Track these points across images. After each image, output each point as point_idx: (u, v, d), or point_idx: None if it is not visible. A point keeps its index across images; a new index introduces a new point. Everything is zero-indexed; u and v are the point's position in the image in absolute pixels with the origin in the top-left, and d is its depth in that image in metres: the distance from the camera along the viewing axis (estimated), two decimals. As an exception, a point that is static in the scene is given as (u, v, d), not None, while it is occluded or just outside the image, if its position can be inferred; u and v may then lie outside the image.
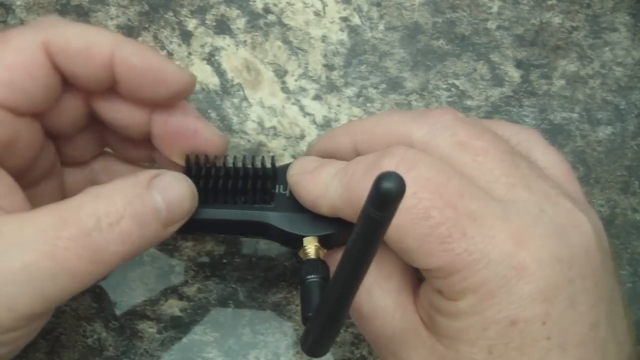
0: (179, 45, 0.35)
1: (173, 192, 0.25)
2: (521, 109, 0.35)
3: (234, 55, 0.35)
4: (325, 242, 0.26)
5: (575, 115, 0.35)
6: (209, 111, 0.34)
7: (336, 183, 0.25)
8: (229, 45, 0.35)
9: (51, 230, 0.22)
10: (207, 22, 0.36)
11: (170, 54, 0.35)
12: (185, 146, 0.27)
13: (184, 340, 0.31)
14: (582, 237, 0.23)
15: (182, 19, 0.36)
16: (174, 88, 0.26)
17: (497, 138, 0.25)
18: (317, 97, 0.35)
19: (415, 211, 0.22)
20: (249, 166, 0.28)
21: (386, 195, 0.17)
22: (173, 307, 0.31)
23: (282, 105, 0.35)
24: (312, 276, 0.25)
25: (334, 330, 0.22)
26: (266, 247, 0.32)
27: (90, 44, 0.25)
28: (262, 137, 0.34)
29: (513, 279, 0.21)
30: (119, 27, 0.35)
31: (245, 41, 0.35)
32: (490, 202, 0.23)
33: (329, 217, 0.26)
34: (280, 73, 0.35)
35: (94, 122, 0.28)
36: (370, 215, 0.17)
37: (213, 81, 0.35)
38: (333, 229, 0.26)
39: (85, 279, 0.23)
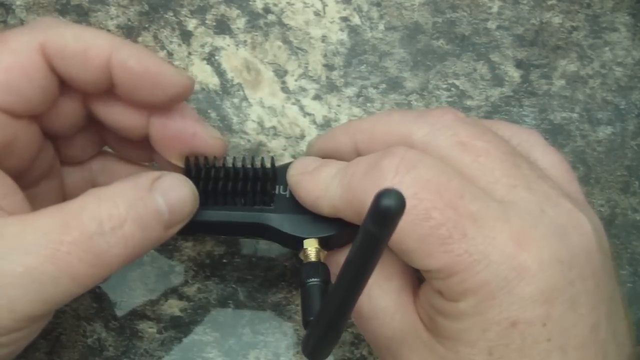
0: (179, 45, 0.35)
1: (175, 194, 0.24)
2: (521, 109, 0.35)
3: (234, 55, 0.35)
4: (325, 244, 0.26)
5: (575, 115, 0.35)
6: (209, 111, 0.34)
7: (336, 183, 0.24)
8: (229, 45, 0.35)
9: (53, 233, 0.22)
10: (207, 22, 0.36)
11: (170, 54, 0.35)
12: (183, 149, 0.27)
13: (184, 340, 0.31)
14: (583, 238, 0.23)
15: (182, 19, 0.36)
16: (172, 91, 0.26)
17: (498, 138, 0.25)
18: (317, 97, 0.35)
19: (415, 212, 0.22)
20: (249, 167, 0.27)
21: (386, 212, 0.17)
22: (173, 307, 0.31)
23: (282, 105, 0.35)
24: (313, 280, 0.24)
25: (335, 336, 0.22)
26: (266, 247, 0.32)
27: (88, 46, 0.25)
28: (262, 137, 0.34)
29: (514, 280, 0.21)
30: (119, 27, 0.35)
31: (245, 41, 0.35)
32: (491, 203, 0.22)
33: (330, 218, 0.26)
34: (280, 73, 0.35)
35: (93, 123, 0.28)
36: (369, 231, 0.17)
37: (213, 81, 0.35)
38: (333, 230, 0.26)
39: (87, 282, 0.23)
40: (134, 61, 0.25)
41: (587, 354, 0.22)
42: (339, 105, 0.35)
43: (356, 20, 0.36)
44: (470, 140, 0.24)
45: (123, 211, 0.23)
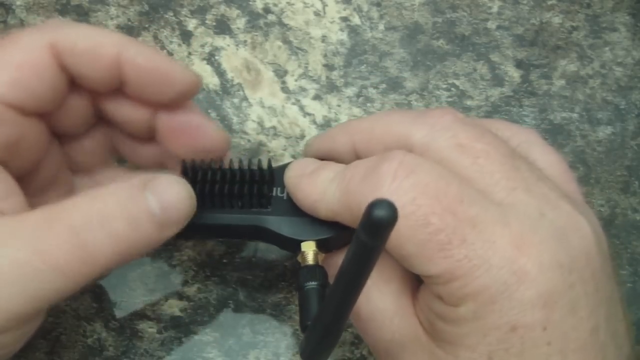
0: (179, 45, 0.35)
1: (168, 194, 0.24)
2: (521, 109, 0.35)
3: (234, 55, 0.35)
4: (323, 246, 0.26)
5: (575, 115, 0.35)
6: (209, 111, 0.34)
7: (334, 187, 0.24)
8: (229, 45, 0.35)
9: (42, 228, 0.22)
10: (207, 22, 0.36)
11: (170, 54, 0.35)
12: (189, 142, 0.27)
13: (184, 340, 0.31)
14: (582, 240, 0.23)
15: (182, 19, 0.36)
16: (180, 88, 0.26)
17: (497, 140, 0.25)
18: (317, 97, 0.35)
19: (414, 218, 0.22)
20: (246, 169, 0.27)
21: (378, 223, 0.17)
22: (173, 307, 0.31)
23: (282, 105, 0.35)
24: (310, 283, 0.24)
25: (332, 340, 0.22)
26: (266, 247, 0.32)
27: (97, 44, 0.25)
28: (262, 137, 0.34)
29: (514, 284, 0.21)
30: (119, 27, 0.35)
31: (245, 41, 0.35)
32: (490, 207, 0.22)
33: (327, 220, 0.26)
34: (280, 73, 0.35)
35: (101, 124, 0.28)
36: (362, 241, 0.18)
37: (213, 81, 0.35)
38: (331, 232, 0.26)
39: (77, 278, 0.22)
40: (143, 58, 0.25)
41: (587, 357, 0.22)
42: (339, 105, 0.35)
43: (356, 20, 0.36)
44: (469, 142, 0.24)
45: (112, 208, 0.23)
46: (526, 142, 0.26)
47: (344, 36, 0.36)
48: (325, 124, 0.34)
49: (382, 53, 0.36)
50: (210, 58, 0.35)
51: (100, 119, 0.28)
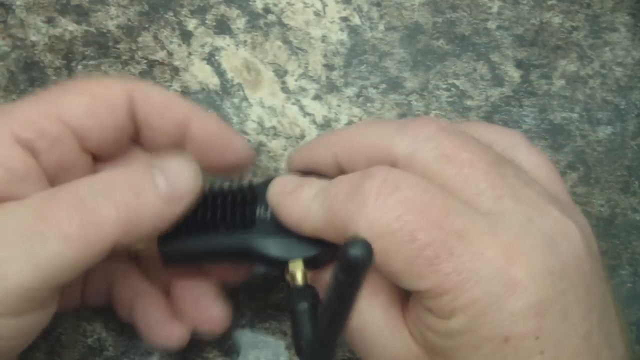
0: (179, 45, 0.35)
1: (173, 169, 0.24)
2: (521, 109, 0.35)
3: (234, 55, 0.35)
4: (311, 263, 0.26)
5: (575, 115, 0.35)
6: (209, 111, 0.34)
7: (317, 205, 0.24)
8: (229, 45, 0.35)
9: (47, 198, 0.23)
10: (207, 22, 0.36)
11: (170, 54, 0.35)
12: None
13: (184, 340, 0.31)
14: (572, 246, 0.23)
15: (182, 19, 0.36)
16: (237, 157, 0.27)
17: (482, 147, 0.24)
18: (317, 97, 0.35)
19: (400, 234, 0.22)
20: (227, 191, 0.27)
21: (355, 263, 0.17)
22: (173, 307, 0.31)
23: (282, 105, 0.35)
24: (302, 305, 0.24)
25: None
26: (266, 247, 0.32)
27: (171, 101, 0.27)
28: (262, 137, 0.34)
29: (504, 295, 0.21)
30: (119, 27, 0.35)
31: (245, 41, 0.35)
32: (477, 217, 0.22)
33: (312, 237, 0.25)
34: (280, 73, 0.35)
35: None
36: (341, 280, 0.18)
37: (213, 81, 0.35)
38: (318, 249, 0.26)
39: (82, 247, 0.22)
40: (211, 123, 0.27)
41: None
42: (339, 106, 0.35)
43: (356, 20, 0.36)
44: (453, 152, 0.24)
45: (117, 179, 0.24)
46: (511, 145, 0.26)
47: (344, 36, 0.36)
48: (325, 124, 0.34)
49: (382, 53, 0.36)
50: (210, 58, 0.35)
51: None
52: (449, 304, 0.22)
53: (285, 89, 0.35)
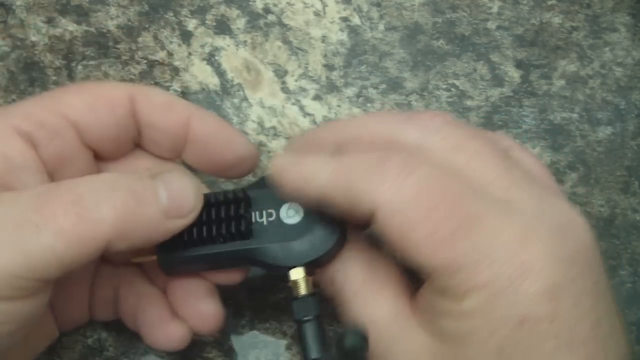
0: (179, 45, 0.35)
1: (176, 184, 0.24)
2: (521, 109, 0.35)
3: (234, 56, 0.35)
4: (313, 266, 0.26)
5: (575, 115, 0.35)
6: (209, 111, 0.34)
7: (329, 169, 0.24)
8: (229, 45, 0.35)
9: (45, 193, 0.23)
10: (207, 22, 0.36)
11: (170, 54, 0.35)
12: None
13: (184, 340, 0.31)
14: (580, 236, 0.23)
15: (182, 19, 0.36)
16: (240, 155, 0.27)
17: (488, 141, 0.25)
18: (317, 97, 0.35)
19: (420, 210, 0.22)
20: (221, 201, 0.26)
21: (352, 351, 0.19)
22: (173, 307, 0.31)
23: (282, 105, 0.35)
24: (306, 317, 0.25)
25: None
26: (266, 247, 0.32)
27: (172, 101, 0.27)
28: (262, 137, 0.34)
29: (518, 278, 0.21)
30: (119, 27, 0.35)
31: (245, 41, 0.36)
32: (490, 203, 0.23)
33: (311, 238, 0.25)
34: (280, 73, 0.35)
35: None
36: None
37: (213, 81, 0.35)
38: (318, 252, 0.25)
39: (76, 244, 0.22)
40: (213, 121, 0.27)
41: (591, 349, 0.22)
42: (339, 106, 0.35)
43: (356, 20, 0.36)
44: (461, 143, 0.24)
45: (119, 182, 0.23)
46: (504, 147, 0.27)
47: (344, 36, 0.36)
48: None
49: (382, 53, 0.36)
50: (210, 58, 0.35)
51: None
52: (463, 283, 0.22)
53: (285, 89, 0.35)
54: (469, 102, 0.35)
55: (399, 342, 0.24)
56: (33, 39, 0.35)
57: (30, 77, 0.35)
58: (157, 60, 0.35)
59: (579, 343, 0.22)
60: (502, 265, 0.22)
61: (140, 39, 0.35)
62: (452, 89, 0.35)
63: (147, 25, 0.36)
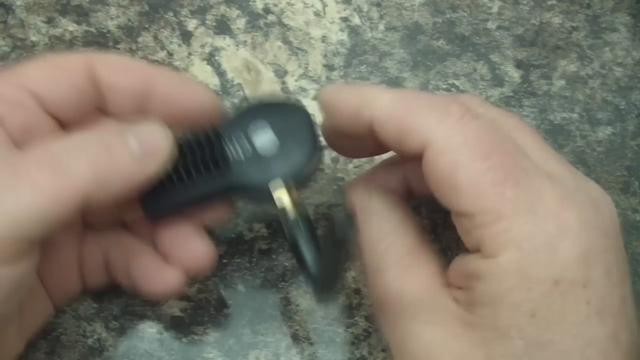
0: (179, 45, 0.35)
1: (144, 129, 0.25)
2: (521, 109, 0.35)
3: (234, 56, 0.35)
4: (295, 181, 0.27)
5: (575, 115, 0.35)
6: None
7: (388, 97, 0.24)
8: (229, 46, 0.35)
9: (19, 154, 0.23)
10: (207, 22, 0.36)
11: (170, 54, 0.35)
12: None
13: (184, 340, 0.31)
14: (610, 212, 0.24)
15: (182, 19, 0.36)
16: (202, 105, 0.27)
17: (523, 121, 0.26)
18: (317, 98, 0.35)
19: (476, 150, 0.23)
20: (193, 141, 0.27)
21: (342, 240, 0.21)
22: (173, 307, 0.31)
23: (282, 105, 0.35)
24: (297, 233, 0.26)
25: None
26: (266, 247, 0.32)
27: (130, 62, 0.28)
28: (262, 137, 0.34)
29: (557, 237, 0.22)
30: (119, 27, 0.35)
31: (245, 41, 0.36)
32: (536, 166, 0.23)
33: (288, 156, 0.26)
34: (281, 73, 0.35)
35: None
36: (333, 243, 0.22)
37: (213, 81, 0.35)
38: (295, 166, 0.26)
39: (50, 195, 0.22)
40: (173, 77, 0.28)
41: (619, 324, 0.22)
42: (339, 106, 0.35)
43: (356, 20, 0.36)
44: (501, 118, 0.25)
45: (90, 138, 0.24)
46: (514, 127, 0.27)
47: (344, 36, 0.36)
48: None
49: (382, 53, 0.36)
50: (211, 58, 0.35)
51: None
52: (503, 233, 0.22)
53: (285, 89, 0.35)
54: (469, 102, 0.35)
55: (432, 312, 0.24)
56: (33, 39, 0.35)
57: (30, 77, 0.35)
58: (157, 61, 0.35)
59: (609, 313, 0.22)
60: (543, 221, 0.22)
61: (140, 39, 0.35)
62: (452, 89, 0.35)
63: (147, 25, 0.36)
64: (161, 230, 0.28)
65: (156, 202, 0.27)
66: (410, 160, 0.25)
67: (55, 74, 0.26)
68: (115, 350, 0.31)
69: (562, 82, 0.35)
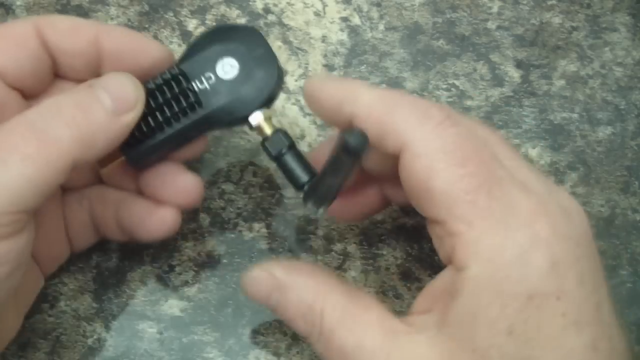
0: (179, 45, 0.35)
1: (112, 81, 0.25)
2: (521, 109, 0.35)
3: (234, 55, 0.35)
4: (265, 105, 0.28)
5: (575, 115, 0.35)
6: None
7: (372, 94, 0.24)
8: (229, 45, 0.35)
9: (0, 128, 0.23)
10: (207, 22, 0.36)
11: (170, 54, 0.35)
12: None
13: (184, 340, 0.31)
14: (583, 221, 0.24)
15: (182, 19, 0.36)
16: (154, 58, 0.27)
17: (495, 132, 0.26)
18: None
19: (453, 156, 0.23)
20: (161, 83, 0.27)
21: (355, 149, 0.21)
22: (173, 307, 0.31)
23: (282, 105, 0.35)
24: (283, 149, 0.27)
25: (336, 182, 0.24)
26: (266, 247, 0.32)
27: (77, 23, 0.27)
28: (262, 137, 0.34)
29: (528, 249, 0.22)
30: (119, 27, 0.35)
31: (245, 41, 0.35)
32: (510, 175, 0.23)
33: (255, 82, 0.27)
34: (280, 73, 0.35)
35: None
36: (340, 160, 0.22)
37: (213, 81, 0.35)
38: (266, 92, 0.27)
39: (39, 163, 0.22)
40: (122, 33, 0.27)
41: (597, 332, 0.22)
42: (339, 106, 0.35)
43: (356, 20, 0.36)
44: (478, 127, 0.25)
45: (63, 100, 0.24)
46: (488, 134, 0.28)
47: (344, 36, 0.36)
48: (326, 125, 0.34)
49: (382, 53, 0.36)
50: (210, 58, 0.35)
51: None
52: (473, 244, 0.22)
53: (285, 89, 0.35)
54: (469, 102, 0.35)
55: (400, 356, 0.23)
56: (33, 39, 0.35)
57: (30, 77, 0.34)
58: (157, 60, 0.35)
59: (586, 323, 0.22)
60: (514, 231, 0.22)
61: (140, 39, 0.35)
62: (452, 89, 0.35)
63: (147, 25, 0.36)
64: (146, 174, 0.28)
65: (137, 148, 0.27)
66: (386, 166, 0.25)
67: (9, 46, 0.26)
68: (115, 350, 0.31)
69: (562, 82, 0.35)
